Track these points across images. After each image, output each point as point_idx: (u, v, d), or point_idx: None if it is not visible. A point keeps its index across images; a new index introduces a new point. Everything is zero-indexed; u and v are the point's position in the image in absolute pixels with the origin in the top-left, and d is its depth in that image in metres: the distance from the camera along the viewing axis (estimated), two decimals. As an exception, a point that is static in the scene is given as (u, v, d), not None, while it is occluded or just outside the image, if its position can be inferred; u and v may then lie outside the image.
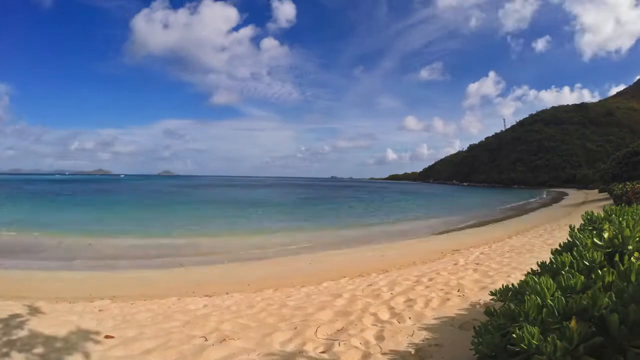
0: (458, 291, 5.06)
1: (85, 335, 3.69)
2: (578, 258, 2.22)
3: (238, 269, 9.21)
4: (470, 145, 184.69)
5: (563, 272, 2.10)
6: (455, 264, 7.61)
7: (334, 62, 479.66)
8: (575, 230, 2.89)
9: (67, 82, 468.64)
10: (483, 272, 6.39)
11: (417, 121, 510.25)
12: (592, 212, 3.45)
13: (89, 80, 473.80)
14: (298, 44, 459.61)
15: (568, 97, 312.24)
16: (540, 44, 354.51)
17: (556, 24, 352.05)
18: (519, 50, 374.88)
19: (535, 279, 2.01)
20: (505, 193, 67.74)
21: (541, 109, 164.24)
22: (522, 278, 2.35)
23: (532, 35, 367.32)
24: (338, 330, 3.71)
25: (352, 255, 10.81)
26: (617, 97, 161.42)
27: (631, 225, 2.29)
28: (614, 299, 1.60)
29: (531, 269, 2.80)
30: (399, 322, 3.86)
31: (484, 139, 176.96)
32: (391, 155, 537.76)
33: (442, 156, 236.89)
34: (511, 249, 9.19)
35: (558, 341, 1.49)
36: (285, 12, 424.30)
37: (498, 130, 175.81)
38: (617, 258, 2.13)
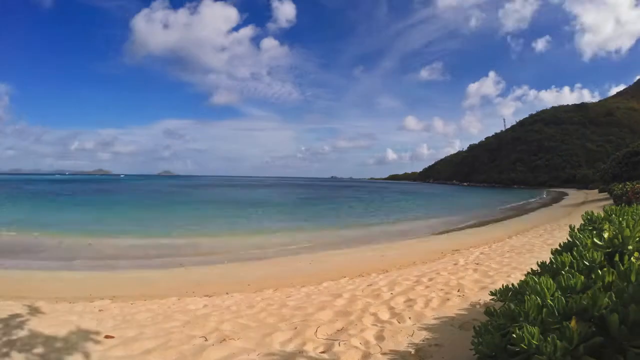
0: (458, 291, 5.06)
1: (85, 335, 3.69)
2: (578, 258, 2.22)
3: (238, 269, 9.21)
4: (470, 145, 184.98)
5: (563, 272, 2.10)
6: (455, 264, 7.61)
7: (334, 62, 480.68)
8: (575, 230, 2.89)
9: (67, 82, 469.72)
10: (483, 272, 6.39)
11: (417, 121, 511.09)
12: (592, 212, 3.45)
13: (89, 80, 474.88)
14: (298, 43, 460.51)
15: (568, 97, 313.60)
16: (540, 44, 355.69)
17: (556, 24, 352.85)
18: (519, 50, 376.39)
19: (535, 279, 2.01)
20: (505, 193, 67.74)
21: (541, 109, 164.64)
22: (522, 278, 2.35)
23: (532, 35, 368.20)
24: (338, 330, 3.71)
25: (352, 255, 10.81)
26: (617, 97, 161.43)
27: (631, 226, 2.29)
28: (614, 299, 1.60)
29: (531, 269, 2.80)
30: (399, 322, 3.86)
31: (484, 139, 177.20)
32: (391, 155, 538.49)
33: (442, 156, 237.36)
34: (511, 249, 9.19)
35: (558, 341, 1.49)
36: (285, 12, 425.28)
37: (498, 130, 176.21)
38: (617, 258, 2.13)
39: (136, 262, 10.17)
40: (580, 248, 2.36)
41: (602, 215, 3.36)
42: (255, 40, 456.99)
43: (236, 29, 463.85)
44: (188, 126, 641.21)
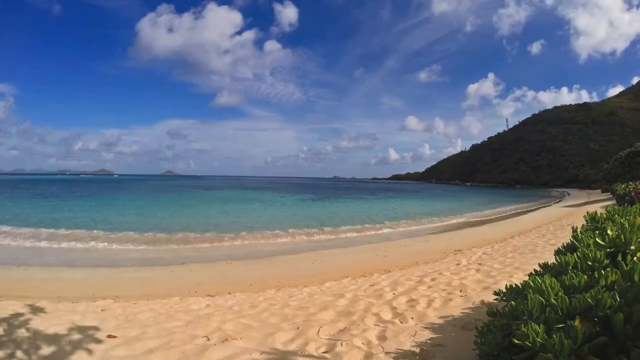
0: (460, 291, 5.05)
1: (87, 334, 3.70)
2: (582, 258, 2.21)
3: (240, 268, 9.22)
4: (472, 145, 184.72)
5: (568, 272, 2.10)
6: (457, 264, 7.60)
7: (336, 63, 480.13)
8: (578, 231, 2.88)
9: (71, 82, 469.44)
10: (485, 272, 6.38)
11: (419, 121, 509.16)
12: (595, 212, 3.44)
13: (93, 81, 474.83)
14: (300, 45, 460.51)
15: (566, 97, 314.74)
16: (535, 47, 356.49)
17: (550, 28, 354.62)
18: (515, 53, 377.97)
19: (539, 279, 2.00)
20: (507, 193, 67.59)
21: (543, 109, 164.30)
22: (525, 278, 2.35)
23: (531, 38, 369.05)
24: (340, 330, 3.71)
25: (355, 256, 10.80)
26: (620, 97, 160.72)
27: (635, 225, 2.28)
28: (618, 298, 1.60)
29: (534, 269, 2.80)
30: (402, 322, 3.86)
31: (486, 139, 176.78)
32: (393, 155, 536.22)
33: (444, 156, 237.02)
34: (514, 249, 9.16)
35: (565, 340, 1.48)
36: (288, 15, 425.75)
37: (498, 131, 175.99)
38: (619, 258, 2.12)
39: (138, 261, 10.18)
40: (584, 248, 2.35)
41: (605, 215, 3.35)
42: (259, 43, 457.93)
43: (240, 32, 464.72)
44: (191, 126, 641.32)
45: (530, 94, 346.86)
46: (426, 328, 3.58)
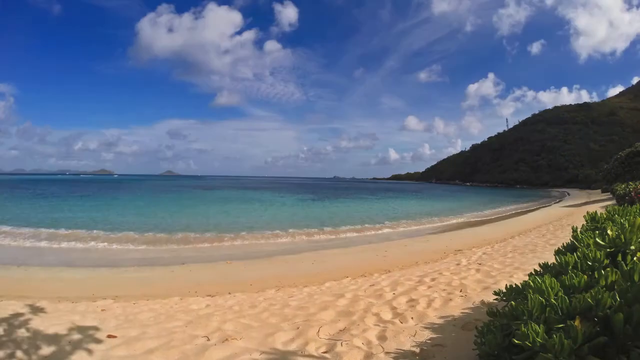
0: (460, 291, 5.05)
1: (87, 334, 3.70)
2: (582, 258, 2.21)
3: (240, 268, 9.22)
4: (472, 145, 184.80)
5: (568, 271, 2.10)
6: (457, 264, 7.60)
7: (336, 63, 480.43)
8: (578, 231, 2.88)
9: (71, 82, 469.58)
10: (485, 272, 6.38)
11: (419, 121, 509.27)
12: (595, 212, 3.44)
13: (94, 81, 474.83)
14: (300, 45, 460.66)
15: (566, 97, 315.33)
16: (535, 47, 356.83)
17: (550, 28, 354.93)
18: (515, 53, 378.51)
19: (539, 279, 2.00)
20: (507, 193, 67.60)
21: (543, 109, 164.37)
22: (525, 278, 2.35)
23: (531, 38, 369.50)
24: (340, 330, 3.71)
25: (355, 255, 10.80)
26: (620, 97, 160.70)
27: (635, 225, 2.28)
28: (617, 298, 1.60)
29: (534, 269, 2.80)
30: (402, 322, 3.86)
31: (486, 139, 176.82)
32: (393, 155, 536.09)
33: (444, 156, 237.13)
34: (514, 249, 9.16)
35: (565, 340, 1.48)
36: (288, 15, 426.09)
37: (498, 130, 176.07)
38: (619, 258, 2.12)
39: (138, 261, 10.18)
40: (584, 248, 2.35)
41: (605, 215, 3.35)
42: (259, 43, 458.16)
43: (240, 32, 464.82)
44: (191, 126, 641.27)
45: (530, 94, 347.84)
46: (426, 328, 3.58)
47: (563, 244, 2.93)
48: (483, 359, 2.11)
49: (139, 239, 13.69)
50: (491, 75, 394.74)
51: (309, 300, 5.32)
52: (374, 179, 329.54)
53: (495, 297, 2.65)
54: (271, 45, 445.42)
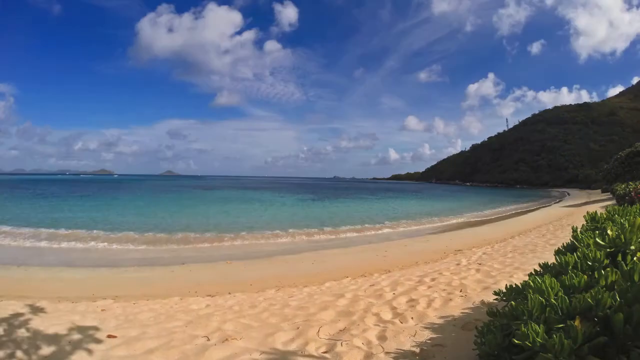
0: (460, 291, 5.05)
1: (87, 334, 3.70)
2: (582, 258, 2.21)
3: (240, 268, 9.21)
4: (472, 145, 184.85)
5: (568, 271, 2.10)
6: (457, 264, 7.60)
7: (336, 63, 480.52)
8: (578, 231, 2.88)
9: (71, 82, 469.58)
10: (485, 272, 6.38)
11: (419, 121, 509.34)
12: (595, 212, 3.44)
13: (94, 81, 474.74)
14: (300, 45, 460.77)
15: (566, 97, 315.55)
16: (535, 47, 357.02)
17: (550, 28, 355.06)
18: (515, 53, 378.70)
19: (539, 279, 2.00)
20: (507, 193, 67.60)
21: (543, 109, 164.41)
22: (525, 278, 2.34)
23: (531, 38, 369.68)
24: (340, 330, 3.71)
25: (355, 255, 10.80)
26: (620, 97, 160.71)
27: (635, 225, 2.28)
28: (617, 298, 1.60)
29: (534, 269, 2.80)
30: (402, 322, 3.86)
31: (486, 139, 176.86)
32: (393, 155, 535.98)
33: (444, 156, 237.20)
34: (514, 249, 9.16)
35: (565, 340, 1.48)
36: (288, 15, 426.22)
37: (498, 130, 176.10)
38: (619, 258, 2.12)
39: (138, 261, 10.18)
40: (584, 248, 2.35)
41: (605, 215, 3.35)
42: (259, 43, 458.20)
43: (240, 32, 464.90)
44: (191, 126, 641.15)
45: (530, 94, 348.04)
46: (426, 328, 3.58)
47: (563, 244, 2.93)
48: (483, 359, 2.11)
49: (139, 239, 13.69)
50: (491, 75, 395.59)
51: (309, 300, 5.32)
52: (374, 179, 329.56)
53: (495, 297, 2.65)
54: (271, 45, 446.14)
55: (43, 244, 12.60)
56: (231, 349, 3.31)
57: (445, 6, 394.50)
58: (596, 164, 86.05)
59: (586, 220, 3.37)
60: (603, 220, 3.19)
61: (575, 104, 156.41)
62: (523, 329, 1.63)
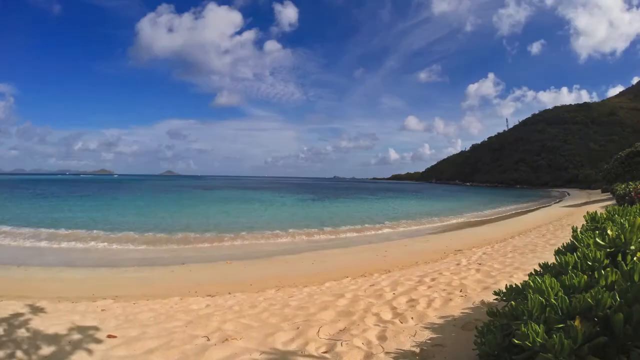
0: (460, 291, 5.05)
1: (87, 334, 3.70)
2: (582, 258, 2.21)
3: (240, 268, 9.21)
4: (473, 145, 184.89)
5: (568, 271, 2.10)
6: (457, 264, 7.60)
7: (336, 63, 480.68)
8: (578, 231, 2.88)
9: (71, 82, 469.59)
10: (485, 272, 6.38)
11: (419, 121, 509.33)
12: (595, 212, 3.44)
13: (94, 81, 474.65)
14: (300, 45, 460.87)
15: (566, 97, 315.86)
16: (535, 47, 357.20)
17: (550, 28, 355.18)
18: (515, 53, 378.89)
19: (539, 279, 2.00)
20: (507, 193, 67.61)
21: (543, 109, 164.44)
22: (525, 278, 2.34)
23: (531, 38, 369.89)
24: (340, 330, 3.71)
25: (355, 256, 10.80)
26: (620, 97, 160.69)
27: (635, 225, 2.28)
28: (617, 298, 1.60)
29: (534, 269, 2.80)
30: (402, 322, 3.86)
31: (486, 139, 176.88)
32: (393, 155, 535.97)
33: (444, 156, 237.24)
34: (514, 249, 9.16)
35: (565, 340, 1.48)
36: (288, 15, 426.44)
37: (498, 130, 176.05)
38: (619, 258, 2.12)
39: (138, 261, 10.18)
40: (584, 248, 2.35)
41: (605, 215, 3.35)
42: (259, 43, 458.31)
43: (240, 32, 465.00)
44: (191, 126, 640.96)
45: (530, 94, 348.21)
46: (426, 328, 3.58)
47: (563, 244, 2.93)
48: (483, 359, 2.11)
49: (139, 239, 13.69)
50: (491, 75, 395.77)
51: (309, 300, 5.32)
52: (374, 179, 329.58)
53: (495, 297, 2.65)
54: (271, 45, 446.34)
55: (43, 244, 12.60)
56: (231, 349, 3.31)
57: (445, 6, 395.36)
58: (596, 164, 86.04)
59: (586, 220, 3.37)
60: (603, 220, 3.19)
61: (575, 104, 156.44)
62: (523, 329, 1.63)
